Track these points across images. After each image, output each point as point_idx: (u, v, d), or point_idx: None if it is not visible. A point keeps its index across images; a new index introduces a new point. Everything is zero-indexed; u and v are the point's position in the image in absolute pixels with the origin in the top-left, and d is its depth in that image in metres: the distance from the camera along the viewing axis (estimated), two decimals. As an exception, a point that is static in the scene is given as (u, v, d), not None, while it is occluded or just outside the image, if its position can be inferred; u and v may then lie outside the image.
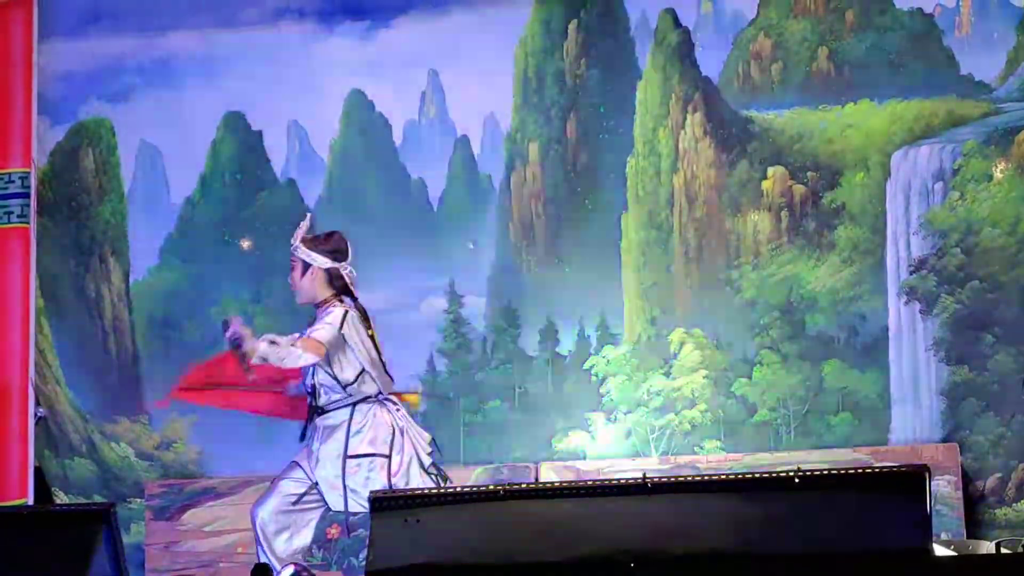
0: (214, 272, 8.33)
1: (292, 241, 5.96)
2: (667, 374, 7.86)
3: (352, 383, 5.76)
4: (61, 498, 8.22)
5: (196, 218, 8.41)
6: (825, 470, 4.28)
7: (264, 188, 8.37)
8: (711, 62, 7.98)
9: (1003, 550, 5.84)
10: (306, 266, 5.92)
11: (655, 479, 4.24)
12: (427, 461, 5.76)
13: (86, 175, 8.49)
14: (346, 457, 5.72)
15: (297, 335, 5.73)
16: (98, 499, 8.11)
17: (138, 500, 8.16)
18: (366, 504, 5.52)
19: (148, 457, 8.31)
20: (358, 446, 5.72)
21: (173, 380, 8.28)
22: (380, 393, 5.82)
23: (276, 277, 8.31)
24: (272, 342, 5.60)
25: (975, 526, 7.35)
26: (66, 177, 8.50)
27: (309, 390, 5.86)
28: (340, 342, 5.71)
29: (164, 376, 8.35)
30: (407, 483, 5.67)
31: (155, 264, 8.43)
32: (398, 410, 5.83)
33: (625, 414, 7.89)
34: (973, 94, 7.70)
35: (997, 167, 7.63)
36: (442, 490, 4.34)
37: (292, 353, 5.60)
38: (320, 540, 7.83)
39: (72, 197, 8.51)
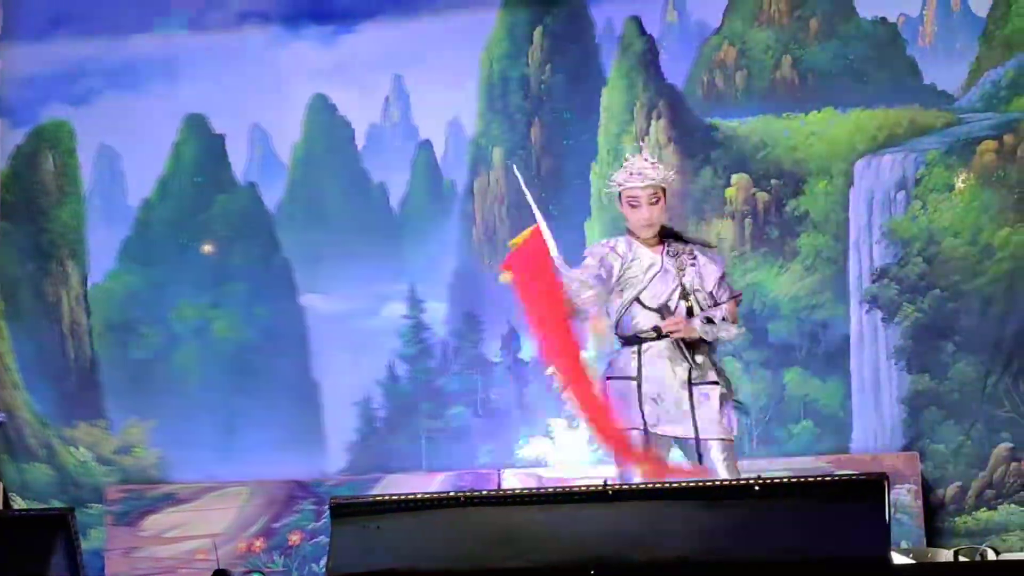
0: (172, 276, 8.29)
1: (637, 172, 5.50)
2: (630, 381, 7.85)
3: None
4: (18, 503, 8.16)
5: (154, 221, 8.37)
6: (785, 478, 4.29)
7: (224, 191, 8.34)
8: (676, 70, 8.00)
9: (961, 558, 5.87)
10: (657, 194, 5.48)
11: (616, 486, 4.23)
12: None
13: (46, 178, 8.44)
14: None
15: (724, 306, 5.48)
16: (56, 504, 8.05)
17: (97, 505, 8.11)
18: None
19: (107, 462, 8.26)
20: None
21: (131, 385, 8.31)
22: None
23: (235, 281, 8.30)
24: (708, 320, 5.40)
25: (935, 535, 7.38)
26: (26, 180, 8.45)
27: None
28: None
29: (122, 381, 8.32)
30: None
31: (113, 268, 8.38)
32: None
33: (587, 421, 7.88)
34: (936, 104, 7.74)
35: (959, 177, 7.68)
36: (402, 497, 4.32)
37: (728, 331, 5.43)
38: (283, 546, 7.82)
39: (31, 200, 8.45)
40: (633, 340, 5.51)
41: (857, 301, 7.71)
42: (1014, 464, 7.39)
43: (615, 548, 4.10)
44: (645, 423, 5.40)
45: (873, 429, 7.66)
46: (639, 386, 5.44)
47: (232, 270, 8.28)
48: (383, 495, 4.69)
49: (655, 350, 5.49)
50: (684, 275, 5.52)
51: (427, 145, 8.19)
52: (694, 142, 7.94)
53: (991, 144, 7.63)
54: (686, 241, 5.61)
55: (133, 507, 7.96)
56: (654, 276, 5.50)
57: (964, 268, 7.60)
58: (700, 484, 4.30)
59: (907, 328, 7.63)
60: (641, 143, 5.78)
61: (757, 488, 4.12)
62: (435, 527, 4.24)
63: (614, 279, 5.51)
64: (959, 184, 7.67)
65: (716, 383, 5.51)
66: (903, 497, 7.29)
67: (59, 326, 8.37)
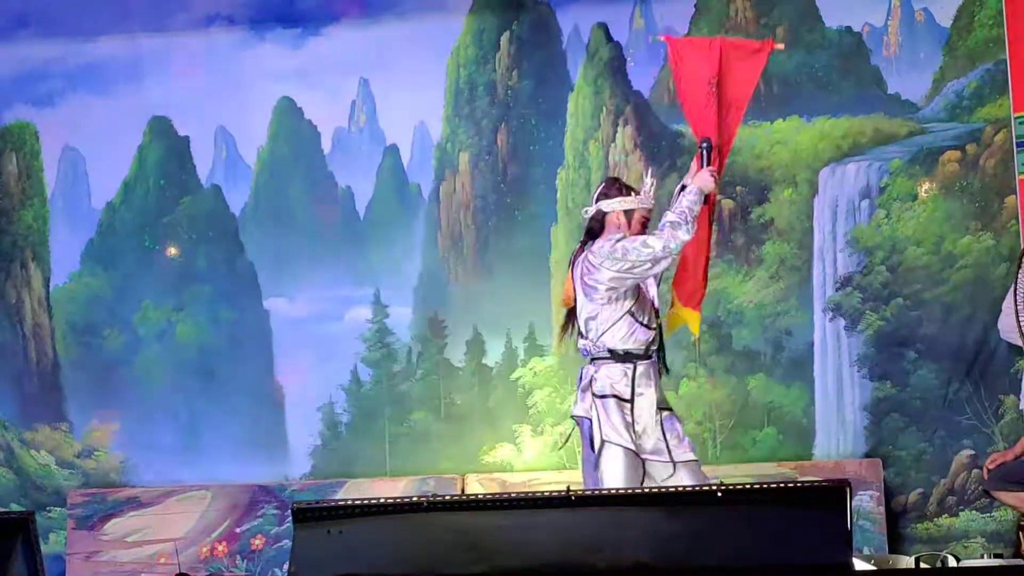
0: (136, 278, 8.26)
1: (650, 195, 5.79)
2: (594, 387, 7.87)
3: None
4: (-22, 507, 8.11)
5: (117, 223, 8.33)
6: (747, 484, 4.30)
7: (188, 194, 8.31)
8: (642, 76, 8.02)
9: (923, 565, 5.91)
10: None
11: (579, 492, 4.24)
12: None
13: (9, 180, 8.39)
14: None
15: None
16: (16, 508, 8.00)
17: (58, 509, 8.07)
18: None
19: (69, 465, 8.22)
20: None
21: (93, 388, 8.27)
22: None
23: (199, 284, 8.28)
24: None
25: (897, 541, 7.42)
26: (-12, 181, 8.41)
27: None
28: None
29: (84, 383, 8.27)
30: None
31: (76, 270, 8.34)
32: None
33: (552, 426, 7.90)
34: (900, 113, 7.79)
35: (922, 186, 7.73)
36: (365, 502, 4.31)
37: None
38: (246, 551, 7.79)
39: (-6, 202, 8.41)
40: (624, 357, 5.54)
41: (821, 309, 7.75)
42: (975, 471, 7.43)
43: (578, 554, 4.10)
44: (636, 446, 5.47)
45: (836, 436, 7.70)
46: (632, 409, 5.49)
47: (196, 273, 8.25)
48: (346, 500, 4.68)
49: (641, 371, 5.54)
50: (650, 291, 5.69)
51: (393, 149, 8.18)
52: (660, 149, 7.96)
53: (954, 154, 7.68)
54: None
55: (95, 511, 7.92)
56: (641, 292, 5.63)
57: (926, 277, 7.65)
58: (663, 490, 4.31)
59: (870, 336, 7.68)
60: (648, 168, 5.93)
61: (719, 494, 4.13)
62: (398, 532, 4.24)
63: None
64: (922, 193, 7.72)
65: (670, 408, 5.66)
66: (865, 503, 7.33)
67: (21, 328, 8.32)
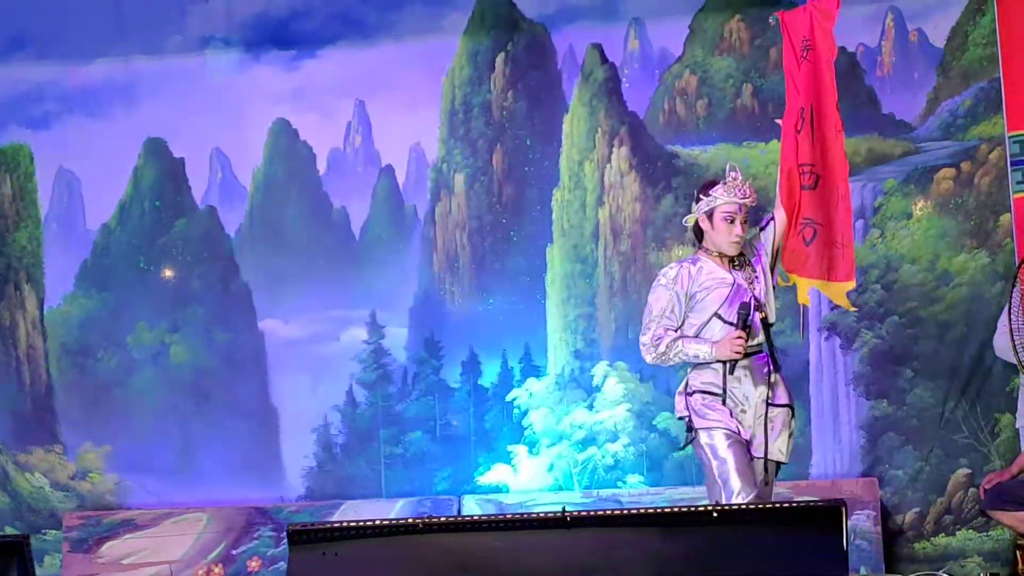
0: (130, 300, 8.25)
1: (738, 189, 5.72)
2: (590, 407, 7.88)
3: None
4: (-27, 530, 8.08)
5: (112, 245, 8.33)
6: (744, 504, 4.31)
7: (183, 216, 8.31)
8: (637, 97, 8.03)
9: (919, 584, 5.89)
10: (746, 213, 5.78)
11: (574, 513, 4.23)
12: None
13: (3, 201, 8.39)
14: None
15: None
16: (11, 531, 7.98)
17: (53, 532, 8.05)
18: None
19: (64, 488, 8.20)
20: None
21: (87, 410, 8.26)
22: None
23: (193, 305, 8.27)
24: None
25: (893, 560, 7.41)
26: (-18, 203, 8.40)
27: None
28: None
29: (79, 406, 8.26)
30: None
31: (70, 292, 8.33)
32: None
33: (547, 447, 7.89)
34: (894, 133, 7.81)
35: (916, 205, 7.74)
36: (361, 523, 4.30)
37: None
38: (242, 572, 7.78)
39: (-13, 224, 8.41)
40: None
41: (816, 328, 7.74)
42: (972, 490, 7.43)
43: (574, 575, 4.09)
44: (739, 429, 5.55)
45: (832, 455, 7.69)
46: (724, 402, 5.57)
47: (191, 294, 8.25)
48: (341, 521, 4.66)
49: (734, 371, 5.62)
50: (754, 288, 5.69)
51: (389, 170, 8.19)
52: (655, 170, 7.97)
53: (949, 172, 7.70)
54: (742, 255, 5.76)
55: (90, 533, 7.90)
56: (730, 292, 5.65)
57: (922, 295, 7.66)
58: (659, 511, 4.31)
59: (866, 355, 7.68)
60: (731, 164, 5.86)
61: (715, 514, 4.13)
62: (394, 554, 4.23)
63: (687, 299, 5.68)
64: (917, 212, 7.74)
65: (788, 405, 5.71)
66: (862, 523, 7.32)
67: (15, 350, 8.31)
